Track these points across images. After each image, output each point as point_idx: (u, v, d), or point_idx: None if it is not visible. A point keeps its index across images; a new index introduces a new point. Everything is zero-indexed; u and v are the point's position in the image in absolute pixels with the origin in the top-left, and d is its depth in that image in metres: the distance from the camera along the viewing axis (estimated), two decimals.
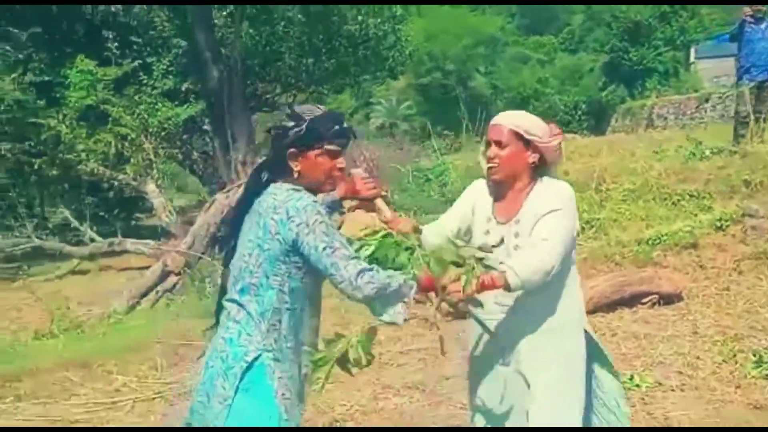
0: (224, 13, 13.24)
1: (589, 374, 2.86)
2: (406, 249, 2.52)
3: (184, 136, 14.52)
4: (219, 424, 2.25)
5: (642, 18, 35.60)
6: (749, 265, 7.05)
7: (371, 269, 2.28)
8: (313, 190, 2.42)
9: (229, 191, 9.19)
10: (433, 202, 9.47)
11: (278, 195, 2.31)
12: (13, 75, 13.16)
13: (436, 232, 2.83)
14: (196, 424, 2.36)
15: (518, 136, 2.72)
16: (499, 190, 2.83)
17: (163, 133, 13.53)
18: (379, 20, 14.18)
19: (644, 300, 6.50)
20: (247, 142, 12.49)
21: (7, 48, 14.21)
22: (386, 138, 13.76)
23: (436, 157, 11.56)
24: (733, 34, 9.38)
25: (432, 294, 2.42)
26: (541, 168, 2.78)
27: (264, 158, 2.47)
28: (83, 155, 13.20)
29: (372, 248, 2.51)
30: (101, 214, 13.77)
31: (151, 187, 13.05)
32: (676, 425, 4.26)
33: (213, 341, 2.38)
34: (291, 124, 2.38)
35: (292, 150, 2.37)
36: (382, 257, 2.47)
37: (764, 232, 7.30)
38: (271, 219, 2.28)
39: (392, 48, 15.21)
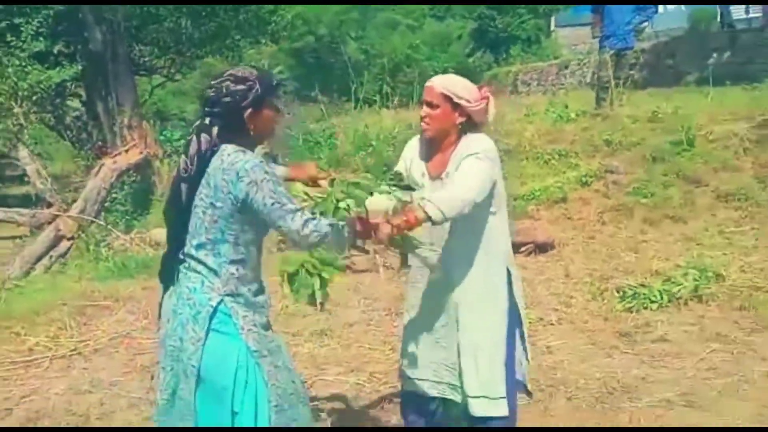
0: None
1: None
2: (343, 200, 2.76)
3: (56, 101, 13.99)
4: (194, 363, 2.45)
5: None
6: (610, 216, 7.90)
7: (315, 218, 2.52)
8: (253, 145, 2.59)
9: (116, 155, 9.14)
10: (323, 165, 9.76)
11: (225, 156, 2.43)
12: None
13: None
14: (169, 367, 2.54)
15: (448, 99, 2.96)
16: (430, 147, 3.10)
17: (34, 98, 13.02)
18: None
19: (522, 249, 7.17)
20: (132, 105, 12.24)
21: None
22: None
23: (324, 120, 11.86)
24: (594, 6, 10.16)
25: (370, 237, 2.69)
26: (470, 127, 3.03)
27: (204, 121, 2.48)
28: None
29: (314, 203, 2.79)
30: None
31: (22, 153, 12.57)
32: (557, 354, 4.87)
33: (177, 291, 2.52)
34: (242, 87, 2.49)
35: (249, 111, 2.50)
36: (325, 211, 2.70)
37: (624, 187, 8.17)
38: (222, 180, 2.41)
39: (273, 13, 15.22)
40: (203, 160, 2.46)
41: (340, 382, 4.62)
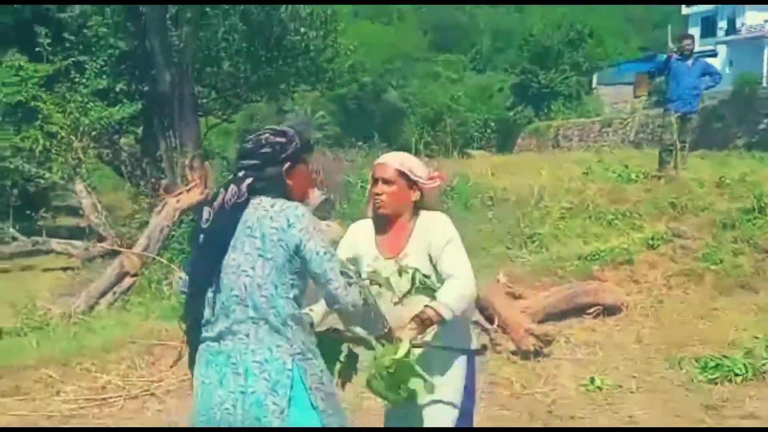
0: (167, 15, 13.14)
1: None
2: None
3: (114, 137, 14.28)
4: None
5: (552, 43, 37.22)
6: (678, 281, 7.73)
7: (352, 286, 2.36)
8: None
9: (179, 194, 9.23)
10: None
11: (267, 206, 2.32)
12: None
13: None
14: None
15: (403, 176, 2.86)
16: (381, 227, 2.95)
17: (93, 133, 13.31)
18: (321, 33, 14.40)
19: (589, 310, 7.04)
20: (194, 145, 12.43)
21: None
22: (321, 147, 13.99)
23: None
24: (660, 68, 10.18)
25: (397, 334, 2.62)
26: (419, 205, 2.93)
27: (239, 175, 2.36)
28: (8, 152, 12.84)
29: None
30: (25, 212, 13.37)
31: (79, 187, 12.79)
32: (643, 424, 4.72)
33: (235, 362, 2.29)
34: (282, 139, 2.41)
35: (287, 164, 2.41)
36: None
37: (692, 252, 8.02)
38: (271, 228, 2.28)
39: (331, 61, 15.45)
40: (225, 213, 2.34)
41: None
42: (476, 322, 6.73)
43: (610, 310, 7.19)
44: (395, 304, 2.78)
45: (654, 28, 51.08)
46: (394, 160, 2.92)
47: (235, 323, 2.30)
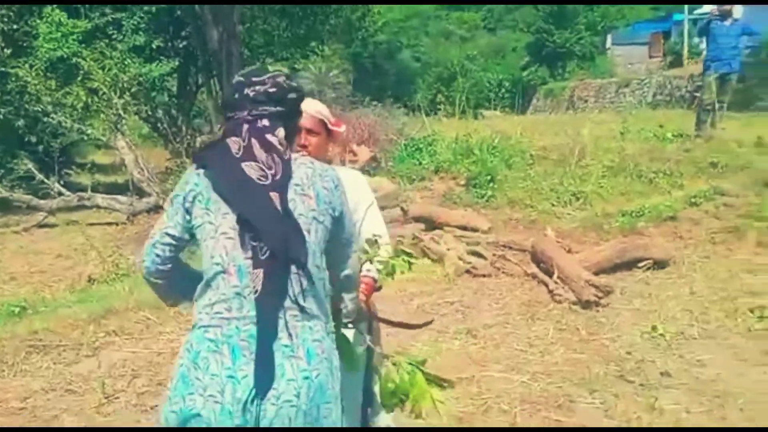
0: None
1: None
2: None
3: (152, 94, 14.48)
4: (339, 423, 2.06)
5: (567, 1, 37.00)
6: (722, 237, 8.03)
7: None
8: None
9: None
10: (425, 170, 10.07)
11: (308, 162, 2.12)
12: None
13: None
14: None
15: (323, 124, 2.74)
16: None
17: (132, 90, 13.49)
18: None
19: (640, 264, 7.35)
20: None
21: None
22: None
23: (425, 127, 12.15)
24: (701, 29, 10.35)
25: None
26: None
27: (262, 122, 2.07)
28: (50, 107, 13.05)
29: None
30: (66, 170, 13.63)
31: (121, 143, 13.05)
32: (711, 367, 5.04)
33: (297, 346, 1.95)
34: (297, 85, 2.20)
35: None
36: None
37: (735, 209, 8.30)
38: (322, 188, 2.06)
39: (362, 18, 15.59)
40: (288, 166, 2.05)
41: (506, 380, 4.84)
42: (534, 275, 7.09)
43: (659, 264, 7.51)
44: None
45: None
46: (313, 109, 2.70)
47: (294, 296, 1.98)
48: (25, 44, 13.08)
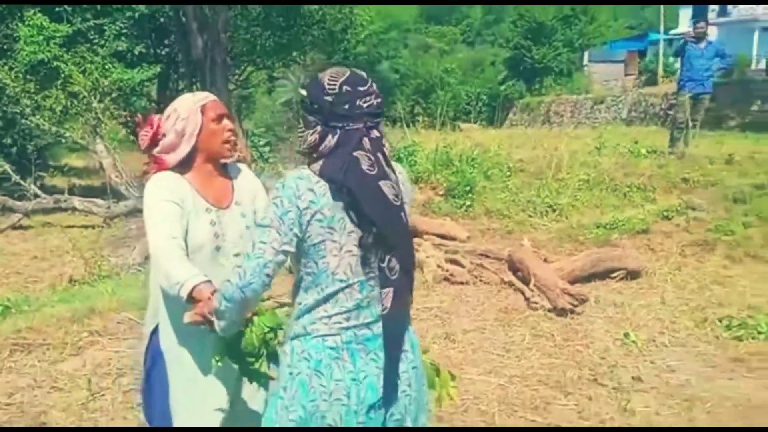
0: None
1: None
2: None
3: (132, 99, 14.51)
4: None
5: (546, 19, 37.54)
6: (692, 251, 8.26)
7: None
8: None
9: None
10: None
11: (395, 169, 2.17)
12: None
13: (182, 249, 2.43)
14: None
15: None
16: (199, 177, 2.63)
17: (113, 94, 13.53)
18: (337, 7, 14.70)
19: (613, 274, 7.54)
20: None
21: None
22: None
23: (405, 138, 12.31)
24: (677, 50, 10.65)
25: None
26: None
27: (376, 134, 2.05)
28: (28, 110, 13.05)
29: None
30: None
31: (99, 147, 13.07)
32: (680, 373, 5.22)
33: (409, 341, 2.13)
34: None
35: None
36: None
37: (705, 224, 8.55)
38: (409, 194, 2.20)
39: (345, 31, 15.77)
40: (398, 179, 2.10)
41: (484, 383, 4.98)
42: (510, 283, 7.26)
43: (632, 275, 7.71)
44: (236, 256, 2.54)
45: (642, 8, 51.69)
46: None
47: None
48: (5, 47, 13.07)
